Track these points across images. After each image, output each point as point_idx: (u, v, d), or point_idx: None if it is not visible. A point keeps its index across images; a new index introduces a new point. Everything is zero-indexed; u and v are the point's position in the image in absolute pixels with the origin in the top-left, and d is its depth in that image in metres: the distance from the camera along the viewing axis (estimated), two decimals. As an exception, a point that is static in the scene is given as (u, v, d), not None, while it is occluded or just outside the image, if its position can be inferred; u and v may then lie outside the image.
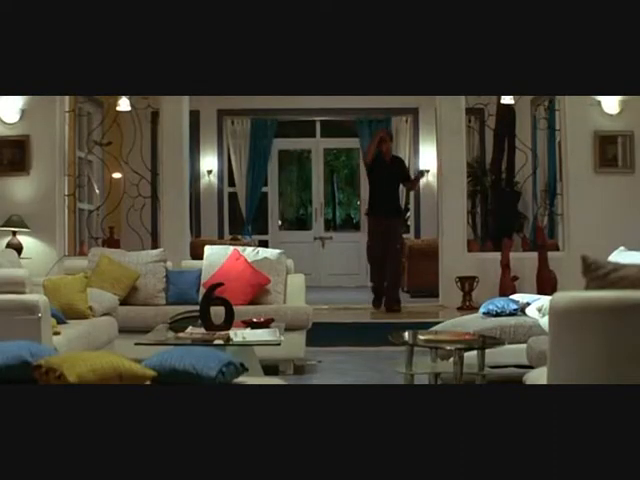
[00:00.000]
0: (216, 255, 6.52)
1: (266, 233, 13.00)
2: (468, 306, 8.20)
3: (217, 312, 4.69)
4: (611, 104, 8.25)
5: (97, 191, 10.68)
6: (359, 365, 6.21)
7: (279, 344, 4.51)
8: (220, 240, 11.24)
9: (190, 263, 6.98)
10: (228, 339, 4.34)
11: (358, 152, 12.98)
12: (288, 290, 6.41)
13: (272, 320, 5.12)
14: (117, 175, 10.24)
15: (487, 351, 4.37)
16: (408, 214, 12.88)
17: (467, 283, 8.36)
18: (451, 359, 4.49)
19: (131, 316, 5.98)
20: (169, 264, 6.70)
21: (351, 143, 13.15)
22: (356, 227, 13.40)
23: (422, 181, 12.49)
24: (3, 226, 7.83)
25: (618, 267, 2.75)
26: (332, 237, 13.02)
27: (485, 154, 11.78)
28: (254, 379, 3.13)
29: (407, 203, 12.76)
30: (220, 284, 4.95)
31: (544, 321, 4.59)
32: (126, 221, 9.56)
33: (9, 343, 3.01)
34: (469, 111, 9.58)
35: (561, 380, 2.59)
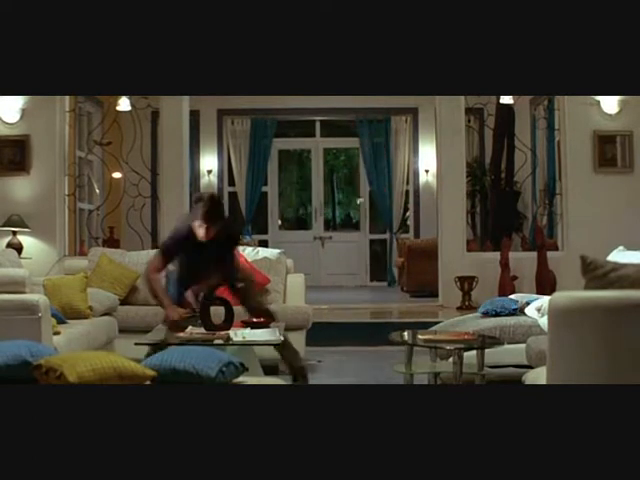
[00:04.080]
0: (216, 255, 6.51)
1: (266, 233, 13.00)
2: (467, 306, 8.21)
3: (217, 312, 4.70)
4: (610, 104, 8.26)
5: (97, 191, 10.68)
6: (359, 365, 6.21)
7: (279, 344, 4.51)
8: (220, 240, 11.20)
9: (190, 263, 6.96)
10: (228, 339, 4.35)
11: (358, 152, 13.00)
12: (288, 290, 6.41)
13: (272, 320, 5.12)
14: (117, 175, 10.24)
15: (486, 351, 4.38)
16: (408, 213, 12.88)
17: (466, 283, 8.36)
18: (450, 359, 4.50)
19: (131, 316, 5.99)
20: (169, 264, 6.68)
21: (351, 143, 13.16)
22: (356, 227, 13.40)
23: (422, 181, 12.55)
24: (3, 226, 7.83)
25: (617, 267, 2.76)
26: (332, 237, 13.02)
27: (484, 154, 11.79)
28: (254, 379, 3.13)
29: (406, 202, 12.76)
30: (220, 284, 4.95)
31: (543, 321, 4.59)
32: (126, 221, 9.55)
33: (9, 343, 3.01)
34: (469, 111, 9.58)
35: (560, 380, 2.59)
